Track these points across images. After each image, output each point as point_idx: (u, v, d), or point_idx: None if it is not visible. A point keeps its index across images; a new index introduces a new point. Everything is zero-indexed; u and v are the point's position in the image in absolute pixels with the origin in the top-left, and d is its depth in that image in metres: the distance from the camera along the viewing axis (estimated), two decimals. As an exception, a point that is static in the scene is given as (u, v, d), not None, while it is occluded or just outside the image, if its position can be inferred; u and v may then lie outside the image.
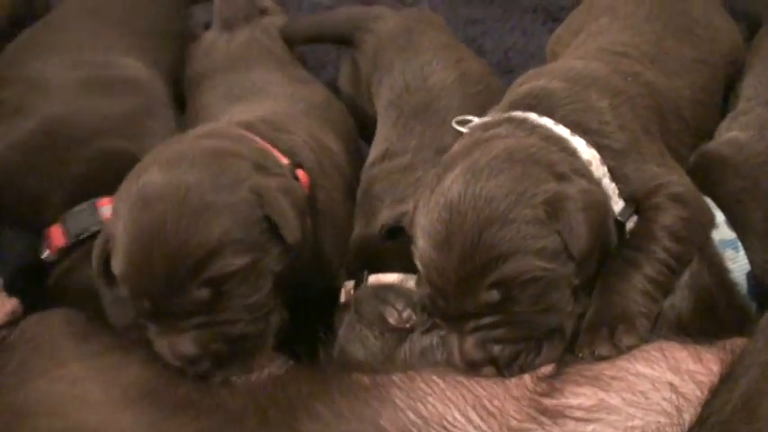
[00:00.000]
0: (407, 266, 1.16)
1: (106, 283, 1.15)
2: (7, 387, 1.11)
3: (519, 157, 1.08)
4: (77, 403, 1.08)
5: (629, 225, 1.14)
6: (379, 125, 1.50)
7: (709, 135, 1.32)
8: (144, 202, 1.08)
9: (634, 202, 1.14)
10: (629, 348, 1.04)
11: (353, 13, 1.76)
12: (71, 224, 1.30)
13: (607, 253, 1.10)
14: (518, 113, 1.19)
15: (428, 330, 1.15)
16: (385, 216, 1.26)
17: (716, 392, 0.96)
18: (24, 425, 1.06)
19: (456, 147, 1.17)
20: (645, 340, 1.05)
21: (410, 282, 1.20)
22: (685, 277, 1.13)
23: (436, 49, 1.57)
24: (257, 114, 1.37)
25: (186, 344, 1.08)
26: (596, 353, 1.05)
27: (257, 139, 1.24)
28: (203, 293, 1.06)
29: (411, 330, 1.16)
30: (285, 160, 1.24)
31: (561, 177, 1.08)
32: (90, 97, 1.42)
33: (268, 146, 1.23)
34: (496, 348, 1.04)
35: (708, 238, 1.15)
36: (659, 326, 1.09)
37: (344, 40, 1.75)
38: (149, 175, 1.10)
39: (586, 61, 1.31)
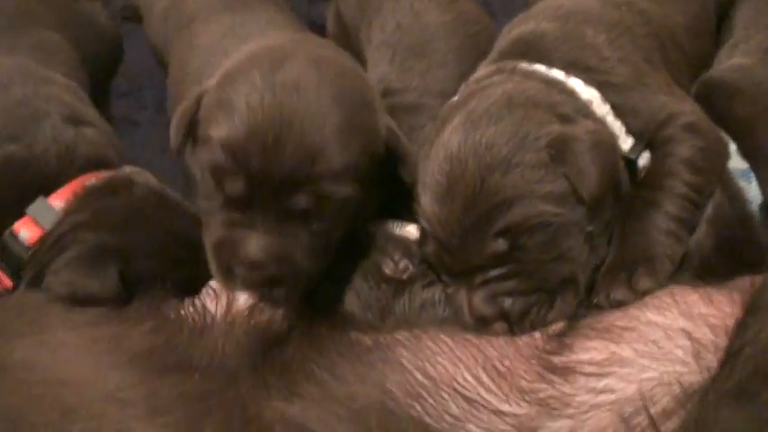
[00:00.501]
0: (401, 214, 1.11)
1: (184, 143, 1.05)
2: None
3: (518, 101, 1.02)
4: (60, 365, 1.01)
5: (641, 162, 1.07)
6: (369, 68, 1.40)
7: (706, 65, 1.26)
8: None
9: (644, 137, 1.08)
10: (646, 292, 0.99)
11: None
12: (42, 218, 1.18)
13: (619, 196, 1.04)
14: (507, 63, 1.12)
15: (429, 284, 1.09)
16: None
17: (743, 325, 0.92)
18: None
19: (452, 100, 1.11)
20: (663, 284, 1.00)
21: (399, 228, 1.13)
22: (708, 211, 1.06)
23: None
24: None
25: (265, 248, 0.97)
26: (611, 296, 1.00)
27: None
28: (304, 203, 0.97)
29: (409, 282, 1.09)
30: None
31: (565, 119, 1.02)
32: None
33: None
34: (507, 302, 0.99)
35: (725, 167, 1.09)
36: (684, 268, 1.03)
37: None
38: None
39: None
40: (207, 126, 0.99)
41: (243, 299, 1.08)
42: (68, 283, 1.09)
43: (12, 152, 1.19)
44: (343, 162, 0.97)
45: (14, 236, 1.16)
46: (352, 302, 1.09)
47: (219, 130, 0.96)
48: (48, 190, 1.18)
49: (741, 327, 0.91)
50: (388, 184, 1.08)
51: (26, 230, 1.15)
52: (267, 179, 0.95)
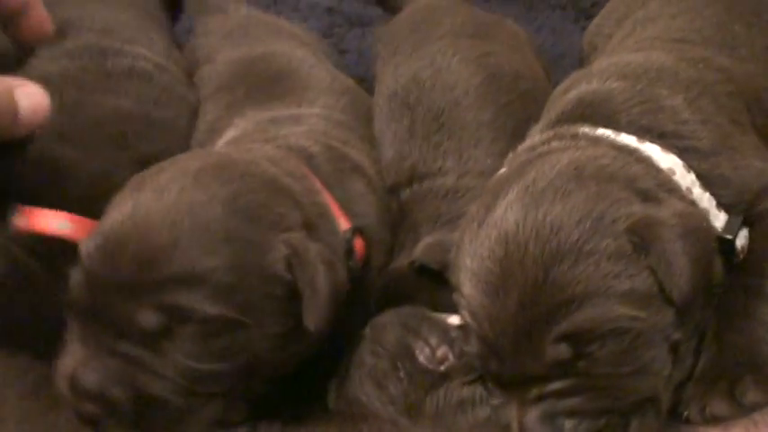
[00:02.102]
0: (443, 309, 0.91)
1: None
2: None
3: (589, 173, 0.84)
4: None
5: (739, 242, 0.89)
6: (380, 125, 1.22)
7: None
8: None
9: (739, 212, 0.90)
10: (755, 407, 0.80)
11: None
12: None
13: (712, 292, 0.85)
14: (566, 128, 0.95)
15: (471, 381, 0.88)
16: (418, 248, 0.99)
17: None
18: None
19: (502, 171, 0.93)
20: None
21: (446, 318, 0.93)
22: None
23: (456, 37, 1.26)
24: (315, 131, 1.09)
25: (91, 372, 0.82)
26: (708, 411, 0.82)
27: (320, 187, 0.98)
28: (150, 319, 0.80)
29: (446, 377, 0.89)
30: (345, 224, 0.98)
31: (647, 196, 0.83)
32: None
33: (329, 201, 0.98)
34: (568, 424, 0.80)
35: None
36: None
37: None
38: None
39: (645, 53, 1.06)
40: None
41: None
42: None
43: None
44: (204, 269, 0.80)
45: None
46: (369, 394, 0.90)
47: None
48: None
49: None
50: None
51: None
52: (107, 285, 0.81)
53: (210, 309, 0.80)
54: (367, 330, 0.95)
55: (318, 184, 0.98)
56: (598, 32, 1.33)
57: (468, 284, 0.83)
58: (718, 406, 0.81)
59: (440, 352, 0.90)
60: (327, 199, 0.97)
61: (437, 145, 1.15)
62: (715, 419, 0.81)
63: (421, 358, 0.90)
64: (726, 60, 1.06)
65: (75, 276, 0.85)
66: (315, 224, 0.90)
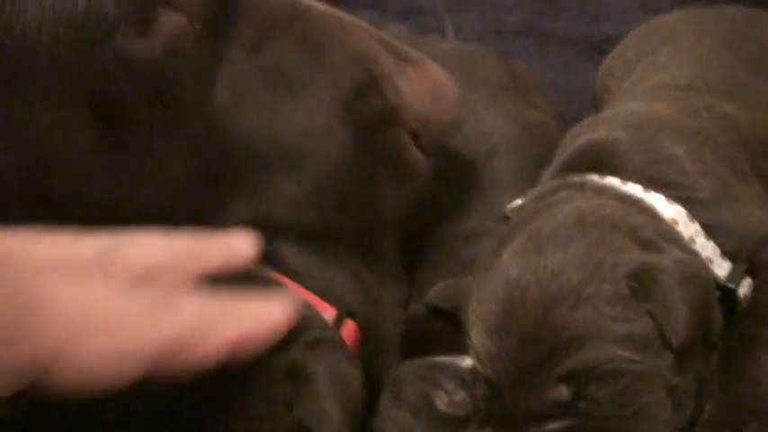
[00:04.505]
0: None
1: None
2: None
3: (592, 221, 0.86)
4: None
5: (742, 291, 0.89)
6: None
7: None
8: None
9: (743, 260, 0.90)
10: None
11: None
12: None
13: (710, 340, 0.86)
14: (575, 177, 0.97)
15: (486, 421, 0.88)
16: (432, 291, 1.00)
17: None
18: None
19: (512, 220, 0.97)
20: None
21: (462, 362, 0.94)
22: None
23: (495, 86, 1.28)
24: None
25: None
26: None
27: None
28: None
29: (466, 421, 0.90)
30: (330, 311, 0.90)
31: (648, 245, 0.85)
32: None
33: (305, 293, 0.87)
34: None
35: None
36: None
37: None
38: None
39: (648, 103, 1.09)
40: None
41: None
42: None
43: None
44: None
45: None
46: None
47: None
48: None
49: None
50: None
51: None
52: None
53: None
54: (386, 385, 0.96)
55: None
56: (610, 74, 1.34)
57: (473, 327, 0.85)
58: None
59: (457, 397, 0.91)
60: (301, 292, 0.86)
61: (463, 187, 1.15)
62: (720, 467, 0.79)
63: (441, 406, 0.92)
64: (730, 107, 1.07)
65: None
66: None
